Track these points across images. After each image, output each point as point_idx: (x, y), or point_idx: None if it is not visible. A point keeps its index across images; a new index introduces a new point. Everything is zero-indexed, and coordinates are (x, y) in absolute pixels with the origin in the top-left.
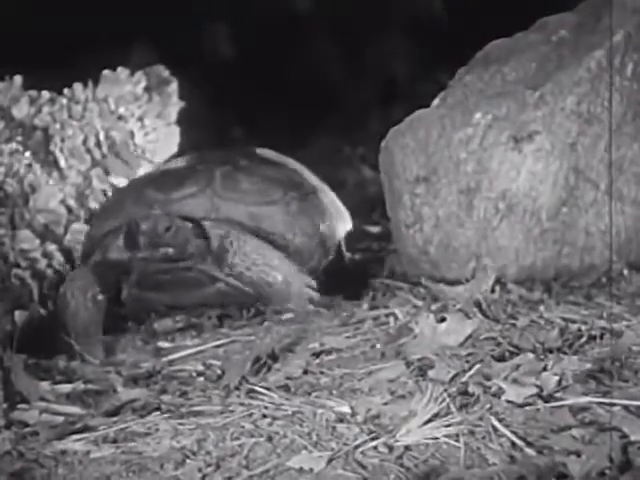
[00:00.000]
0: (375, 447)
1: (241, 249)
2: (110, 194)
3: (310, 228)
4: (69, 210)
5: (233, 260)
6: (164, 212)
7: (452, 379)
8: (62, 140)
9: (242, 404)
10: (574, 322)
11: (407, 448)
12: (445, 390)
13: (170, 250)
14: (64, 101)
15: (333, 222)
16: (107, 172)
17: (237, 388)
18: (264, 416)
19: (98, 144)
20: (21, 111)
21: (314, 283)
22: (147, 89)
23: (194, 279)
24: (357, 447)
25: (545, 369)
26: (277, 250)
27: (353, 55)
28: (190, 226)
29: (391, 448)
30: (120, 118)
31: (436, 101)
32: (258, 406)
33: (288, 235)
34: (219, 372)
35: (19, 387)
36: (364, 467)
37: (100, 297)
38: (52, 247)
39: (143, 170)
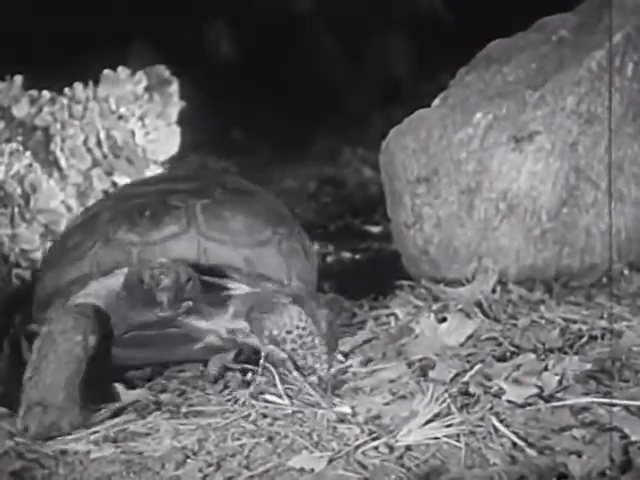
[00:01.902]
0: (376, 447)
1: (286, 320)
2: (68, 228)
3: (303, 270)
4: (69, 210)
5: (274, 332)
6: (142, 258)
7: (453, 379)
8: (63, 140)
9: (243, 403)
10: (575, 322)
11: (408, 448)
12: (446, 390)
13: (190, 304)
14: (65, 101)
15: (314, 259)
16: (108, 172)
17: (220, 378)
18: (264, 416)
19: (99, 144)
20: (21, 111)
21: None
22: (148, 89)
23: (181, 335)
24: (358, 447)
25: (546, 369)
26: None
27: (354, 55)
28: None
29: (392, 448)
30: (121, 118)
31: (437, 101)
32: (257, 406)
33: (284, 280)
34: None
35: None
36: (365, 467)
37: (92, 340)
38: None
39: (150, 172)
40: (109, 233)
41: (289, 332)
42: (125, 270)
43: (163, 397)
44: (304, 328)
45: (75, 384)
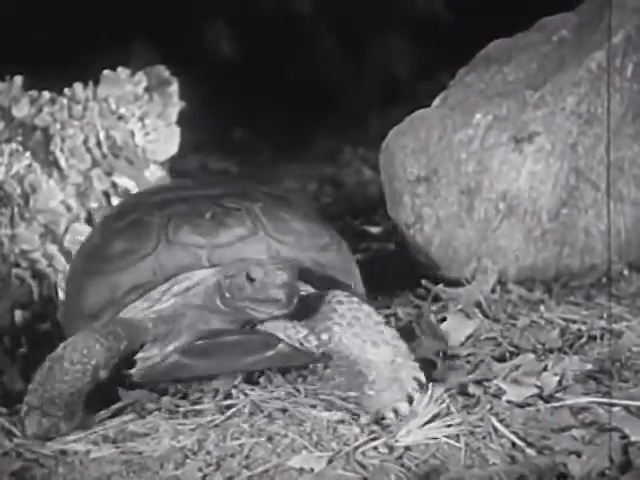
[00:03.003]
0: (376, 447)
1: (348, 312)
2: (104, 234)
3: (359, 274)
4: (69, 210)
5: (327, 324)
6: (212, 260)
7: (453, 379)
8: (62, 140)
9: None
10: (574, 322)
11: (407, 448)
12: (446, 391)
13: (296, 301)
14: (64, 101)
15: None
16: (107, 172)
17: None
18: (260, 411)
19: (98, 144)
20: (21, 111)
21: (421, 375)
22: (148, 89)
23: (258, 341)
24: (357, 447)
25: (545, 369)
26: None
27: (354, 55)
28: None
29: (391, 448)
30: (120, 118)
31: (437, 101)
32: (259, 405)
33: (352, 284)
34: None
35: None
36: (364, 467)
37: (103, 373)
38: (52, 247)
39: (149, 172)
40: (169, 236)
41: (342, 316)
42: (194, 274)
43: (164, 401)
44: (358, 310)
45: (78, 402)
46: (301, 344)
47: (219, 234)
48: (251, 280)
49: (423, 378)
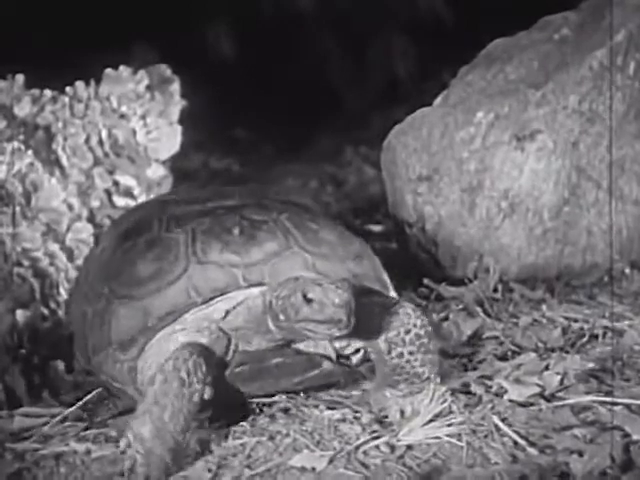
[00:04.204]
0: (377, 446)
1: (403, 318)
2: (122, 252)
3: (389, 279)
4: (71, 209)
5: (389, 335)
6: (248, 279)
7: (454, 378)
8: (64, 139)
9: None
10: (576, 321)
11: (409, 447)
12: (447, 389)
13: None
14: (66, 99)
15: None
16: (109, 171)
17: None
18: (267, 415)
19: (100, 142)
20: (23, 110)
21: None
22: (149, 88)
23: (302, 361)
24: (359, 446)
25: (547, 368)
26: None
27: (355, 55)
28: None
29: (393, 447)
30: (122, 117)
31: (438, 100)
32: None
33: (389, 292)
34: None
35: (15, 389)
36: (366, 466)
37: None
38: (54, 246)
39: (151, 171)
40: (198, 255)
41: (407, 332)
42: (231, 295)
43: None
44: (421, 327)
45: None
46: (343, 357)
47: (252, 251)
48: (308, 300)
49: (448, 397)
